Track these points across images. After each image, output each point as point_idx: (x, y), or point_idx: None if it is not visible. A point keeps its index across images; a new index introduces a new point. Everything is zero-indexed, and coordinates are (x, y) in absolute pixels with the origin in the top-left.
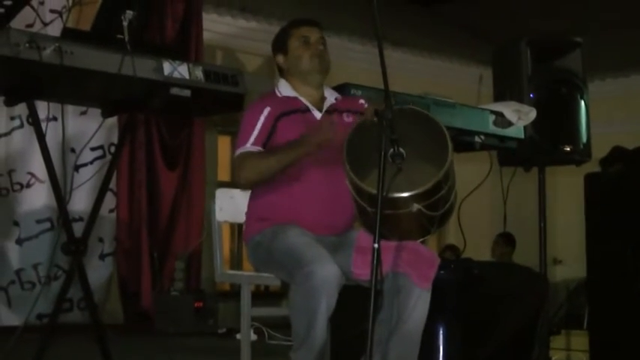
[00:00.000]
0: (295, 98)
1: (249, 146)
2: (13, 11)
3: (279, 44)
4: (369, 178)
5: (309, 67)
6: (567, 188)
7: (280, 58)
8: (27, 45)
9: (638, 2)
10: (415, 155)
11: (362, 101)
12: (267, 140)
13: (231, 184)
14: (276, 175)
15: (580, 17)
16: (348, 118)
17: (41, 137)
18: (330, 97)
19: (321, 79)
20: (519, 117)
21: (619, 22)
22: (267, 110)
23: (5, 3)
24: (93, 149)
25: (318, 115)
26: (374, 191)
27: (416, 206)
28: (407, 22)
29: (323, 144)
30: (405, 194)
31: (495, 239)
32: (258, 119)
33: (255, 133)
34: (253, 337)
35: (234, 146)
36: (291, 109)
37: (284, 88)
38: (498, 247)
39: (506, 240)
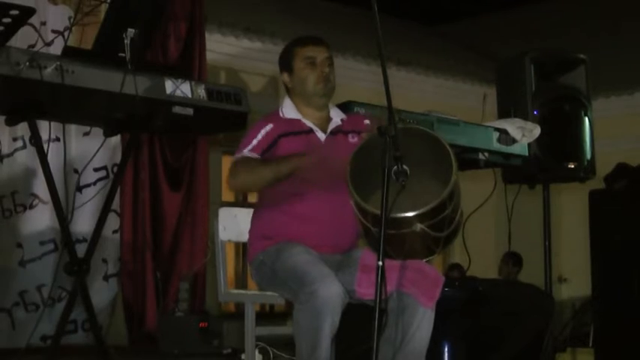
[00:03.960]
0: (299, 121)
1: (246, 152)
2: (12, 29)
3: (285, 62)
4: (372, 197)
5: (314, 91)
6: (572, 205)
7: (285, 77)
8: (28, 64)
9: None
10: (419, 174)
11: (367, 121)
12: (265, 152)
13: (235, 204)
14: (263, 186)
15: (584, 35)
16: (352, 139)
17: (43, 157)
18: (336, 117)
19: (325, 102)
20: (523, 134)
21: (623, 40)
22: (269, 126)
23: (4, 21)
24: (96, 170)
25: (322, 136)
26: (377, 211)
27: (419, 226)
28: (411, 41)
29: (313, 165)
30: (408, 214)
31: (503, 259)
32: (259, 132)
33: (254, 142)
34: (258, 356)
35: None
36: (294, 131)
37: (288, 110)
38: (506, 267)
39: (514, 260)
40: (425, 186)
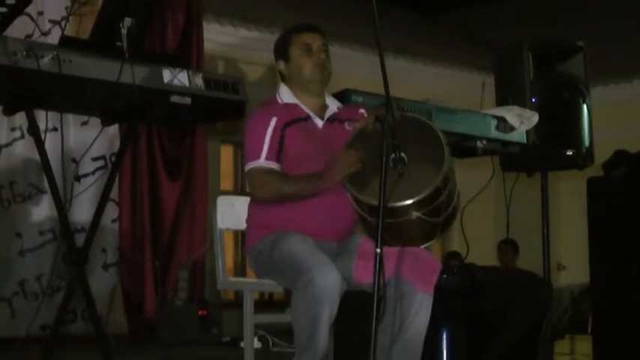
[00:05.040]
0: (296, 105)
1: (263, 161)
2: (9, 19)
3: (281, 50)
4: (368, 189)
5: (310, 77)
6: (570, 193)
7: (281, 65)
8: (25, 54)
9: None
10: (412, 162)
11: (362, 111)
12: (279, 152)
13: (234, 193)
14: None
15: (583, 23)
16: (349, 127)
17: (41, 147)
18: (332, 105)
19: (321, 89)
20: (522, 122)
21: (622, 28)
22: (274, 121)
23: (1, 10)
24: (94, 159)
25: (319, 122)
26: (372, 202)
27: (415, 214)
28: (409, 29)
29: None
30: (404, 203)
31: (502, 247)
32: (265, 131)
33: (266, 147)
34: (257, 344)
35: (236, 156)
36: (294, 118)
37: (285, 95)
38: (506, 254)
39: (512, 246)
40: (419, 173)
